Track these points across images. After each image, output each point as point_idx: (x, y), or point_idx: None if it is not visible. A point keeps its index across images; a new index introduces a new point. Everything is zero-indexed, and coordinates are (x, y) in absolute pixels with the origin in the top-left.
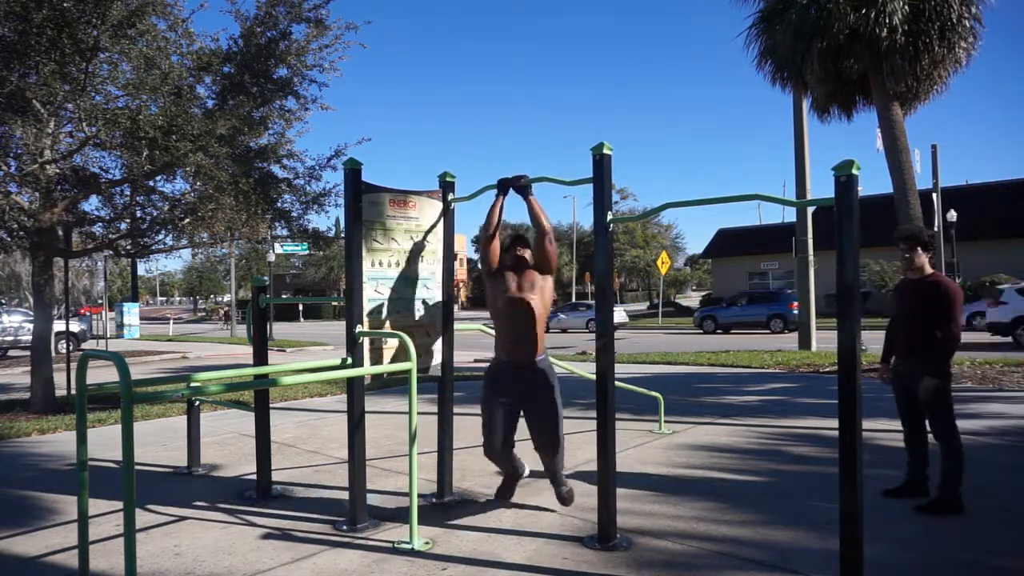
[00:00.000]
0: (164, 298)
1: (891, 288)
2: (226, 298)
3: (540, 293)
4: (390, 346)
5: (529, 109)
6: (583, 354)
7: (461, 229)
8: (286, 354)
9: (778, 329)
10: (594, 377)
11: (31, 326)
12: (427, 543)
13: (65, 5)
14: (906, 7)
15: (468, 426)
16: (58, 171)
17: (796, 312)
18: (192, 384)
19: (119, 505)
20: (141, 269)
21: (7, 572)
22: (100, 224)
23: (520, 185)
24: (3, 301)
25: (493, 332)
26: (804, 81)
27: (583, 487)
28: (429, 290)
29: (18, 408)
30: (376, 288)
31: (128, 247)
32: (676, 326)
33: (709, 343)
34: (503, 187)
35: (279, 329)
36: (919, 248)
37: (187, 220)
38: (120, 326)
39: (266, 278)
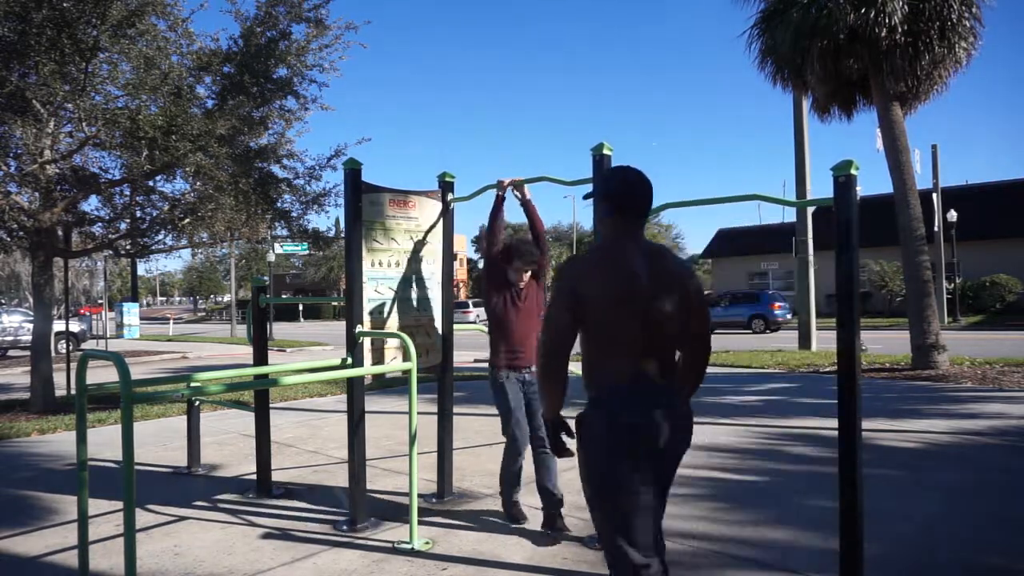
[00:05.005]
0: (164, 298)
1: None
2: (226, 298)
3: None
4: (390, 346)
5: (529, 109)
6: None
7: (461, 229)
8: (286, 354)
9: (759, 329)
10: None
11: (31, 326)
12: (427, 543)
13: (65, 5)
14: (906, 7)
15: (468, 426)
16: (58, 171)
17: (777, 312)
18: (192, 384)
19: (119, 505)
20: (141, 269)
21: (7, 572)
22: (100, 224)
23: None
24: (3, 301)
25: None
26: (804, 81)
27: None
28: (429, 290)
29: (18, 408)
30: (376, 288)
31: (128, 247)
32: None
33: None
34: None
35: (279, 329)
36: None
37: (187, 220)
38: (120, 326)
39: (266, 278)
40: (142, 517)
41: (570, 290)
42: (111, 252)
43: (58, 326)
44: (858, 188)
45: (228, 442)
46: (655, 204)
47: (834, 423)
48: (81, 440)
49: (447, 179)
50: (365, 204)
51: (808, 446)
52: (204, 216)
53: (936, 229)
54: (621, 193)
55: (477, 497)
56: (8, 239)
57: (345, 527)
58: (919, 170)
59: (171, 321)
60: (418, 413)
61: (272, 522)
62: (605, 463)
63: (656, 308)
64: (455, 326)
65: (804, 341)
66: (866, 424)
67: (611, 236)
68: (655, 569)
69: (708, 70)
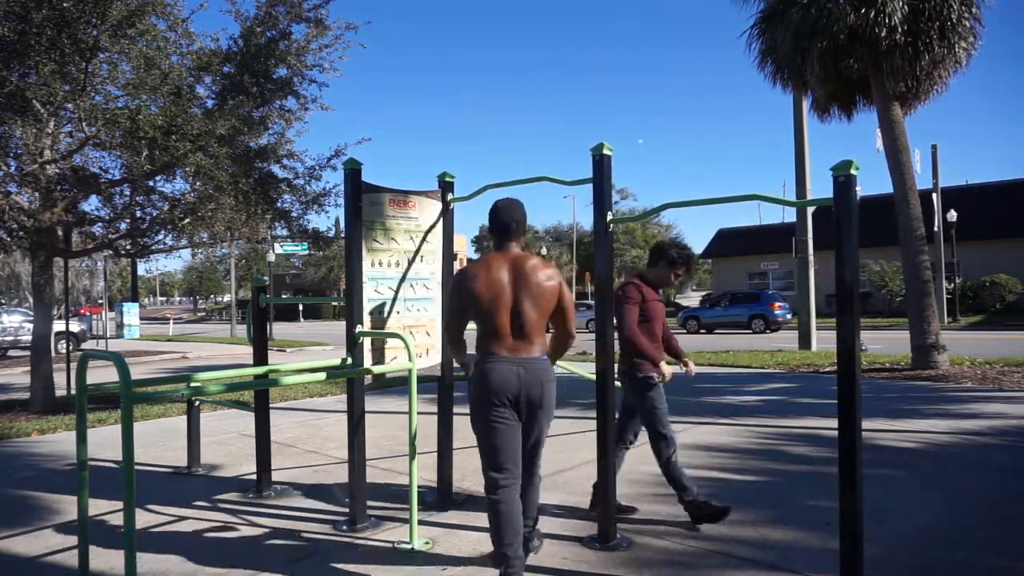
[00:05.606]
0: (164, 298)
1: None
2: (226, 298)
3: None
4: (390, 346)
5: (529, 109)
6: (583, 354)
7: (461, 229)
8: (286, 354)
9: (759, 329)
10: (594, 377)
11: (31, 326)
12: (427, 543)
13: (65, 5)
14: (906, 7)
15: (468, 426)
16: (58, 171)
17: (777, 312)
18: (192, 384)
19: (119, 505)
20: (141, 269)
21: (7, 572)
22: (100, 224)
23: None
24: (3, 301)
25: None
26: (804, 81)
27: (583, 487)
28: (429, 290)
29: (18, 408)
30: (376, 288)
31: (128, 247)
32: (675, 326)
33: (708, 343)
34: None
35: (279, 329)
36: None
37: (187, 220)
38: (120, 326)
39: (266, 278)
40: (142, 517)
41: (459, 295)
42: (111, 252)
43: (58, 326)
44: (858, 188)
45: (228, 442)
46: (656, 204)
47: (834, 423)
48: (81, 440)
49: (447, 179)
50: (365, 204)
51: (808, 446)
52: (204, 216)
53: (936, 229)
54: (489, 217)
55: (477, 497)
56: (8, 239)
57: (345, 527)
58: (919, 170)
59: (171, 321)
60: (418, 413)
61: (272, 522)
62: (478, 401)
63: (515, 304)
64: None
65: (804, 341)
66: (866, 424)
67: (490, 250)
68: (506, 481)
69: (708, 70)
